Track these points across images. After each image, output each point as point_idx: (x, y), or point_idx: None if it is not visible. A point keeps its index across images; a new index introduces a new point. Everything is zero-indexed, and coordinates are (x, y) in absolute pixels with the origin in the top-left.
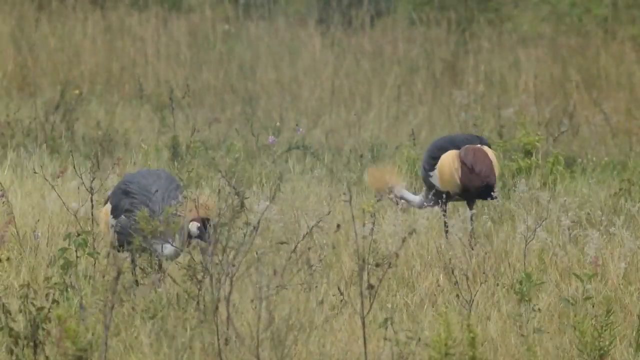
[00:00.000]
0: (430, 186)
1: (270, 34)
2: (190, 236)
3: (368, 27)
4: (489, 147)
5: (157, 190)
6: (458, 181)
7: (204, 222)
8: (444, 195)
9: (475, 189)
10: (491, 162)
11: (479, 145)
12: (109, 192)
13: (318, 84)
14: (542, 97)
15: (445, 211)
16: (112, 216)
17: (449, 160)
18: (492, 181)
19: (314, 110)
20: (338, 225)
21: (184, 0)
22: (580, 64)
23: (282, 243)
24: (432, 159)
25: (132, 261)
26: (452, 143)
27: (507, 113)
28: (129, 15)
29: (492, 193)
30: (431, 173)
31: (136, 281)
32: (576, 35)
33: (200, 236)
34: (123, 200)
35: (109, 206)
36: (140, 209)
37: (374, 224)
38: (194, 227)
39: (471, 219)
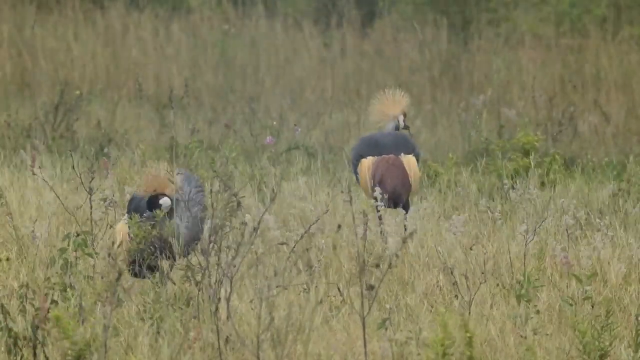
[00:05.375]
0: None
1: (270, 34)
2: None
3: (367, 27)
4: (416, 154)
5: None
6: (370, 190)
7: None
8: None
9: (384, 203)
10: (403, 176)
11: (393, 156)
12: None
13: (318, 84)
14: (541, 98)
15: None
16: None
17: (365, 168)
18: (397, 198)
19: (314, 110)
20: (339, 226)
21: (184, 0)
22: (580, 64)
23: (281, 244)
24: (356, 160)
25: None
26: (375, 148)
27: (507, 113)
28: (129, 16)
29: (398, 207)
30: (355, 173)
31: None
32: (576, 36)
33: (170, 211)
34: (143, 200)
35: (125, 220)
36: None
37: (366, 224)
38: (166, 202)
39: (405, 220)
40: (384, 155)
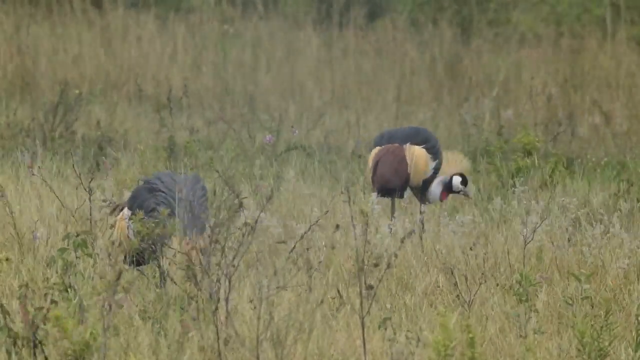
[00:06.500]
0: None
1: (270, 34)
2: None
3: (368, 27)
4: (429, 146)
5: (181, 190)
6: (370, 178)
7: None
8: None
9: (376, 190)
10: (398, 163)
11: (396, 145)
12: (123, 201)
13: (318, 84)
14: (541, 98)
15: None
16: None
17: (371, 157)
18: (385, 184)
19: (314, 110)
20: (337, 226)
21: (184, 0)
22: (580, 64)
23: (280, 242)
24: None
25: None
26: (388, 139)
27: (507, 113)
28: (128, 16)
29: (394, 194)
30: None
31: (163, 279)
32: (576, 36)
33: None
34: (148, 201)
35: (126, 212)
36: (163, 207)
37: (367, 224)
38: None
39: (420, 213)
40: (388, 145)
